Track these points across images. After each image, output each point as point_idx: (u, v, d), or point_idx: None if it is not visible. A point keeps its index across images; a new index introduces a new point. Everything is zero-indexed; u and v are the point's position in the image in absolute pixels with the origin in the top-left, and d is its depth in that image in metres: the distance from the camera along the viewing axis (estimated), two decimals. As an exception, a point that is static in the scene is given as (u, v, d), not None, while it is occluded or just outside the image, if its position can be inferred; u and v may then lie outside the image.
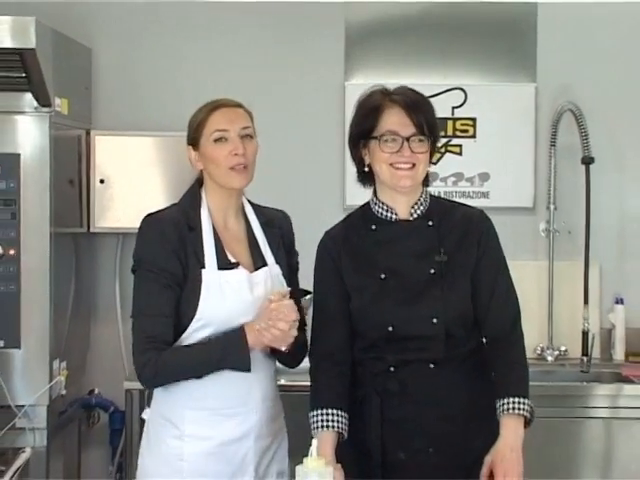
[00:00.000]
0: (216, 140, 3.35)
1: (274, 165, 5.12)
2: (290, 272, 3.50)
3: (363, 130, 3.33)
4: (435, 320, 3.27)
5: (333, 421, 3.28)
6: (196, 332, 3.31)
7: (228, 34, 5.56)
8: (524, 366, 3.38)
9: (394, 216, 3.35)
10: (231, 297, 3.32)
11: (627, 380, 5.17)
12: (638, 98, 5.56)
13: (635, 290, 5.59)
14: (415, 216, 3.36)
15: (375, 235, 3.37)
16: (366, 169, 3.36)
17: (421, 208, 3.37)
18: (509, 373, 3.34)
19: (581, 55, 5.56)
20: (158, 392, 3.44)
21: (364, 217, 3.42)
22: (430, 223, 3.36)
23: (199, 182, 3.48)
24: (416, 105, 3.28)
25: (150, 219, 3.40)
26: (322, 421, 3.28)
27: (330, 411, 3.29)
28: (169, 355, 3.28)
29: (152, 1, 5.54)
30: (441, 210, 3.41)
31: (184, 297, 3.31)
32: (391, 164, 3.26)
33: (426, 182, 3.42)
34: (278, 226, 3.53)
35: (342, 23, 5.56)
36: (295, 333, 3.23)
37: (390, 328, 3.27)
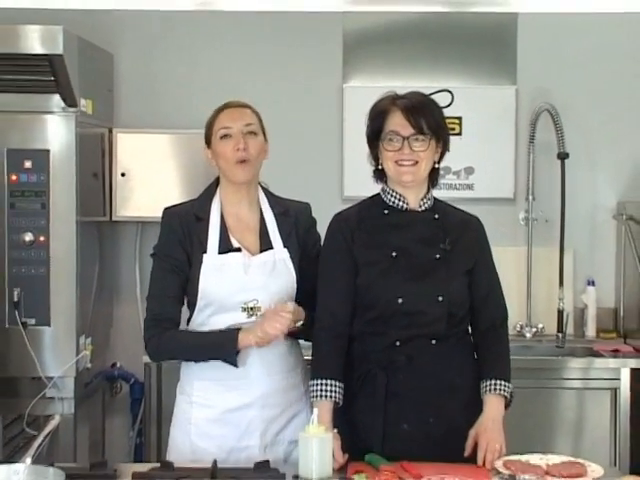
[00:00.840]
0: (222, 137, 3.39)
1: (279, 160, 5.09)
2: (304, 256, 3.49)
3: (373, 131, 3.35)
4: (440, 298, 3.28)
5: (331, 391, 3.28)
6: (201, 311, 3.39)
7: (237, 41, 5.56)
8: (508, 357, 3.42)
9: (405, 205, 3.36)
10: (228, 278, 3.35)
11: (598, 354, 5.18)
12: (609, 99, 5.56)
13: (605, 273, 5.61)
14: (423, 208, 3.38)
15: (387, 219, 3.37)
16: (380, 167, 3.37)
17: (428, 202, 3.39)
18: (496, 359, 3.39)
19: (557, 60, 5.56)
20: (181, 365, 3.51)
21: (376, 204, 3.42)
22: (436, 216, 3.38)
23: (218, 179, 3.51)
24: (416, 108, 3.28)
25: (164, 212, 3.49)
26: (321, 391, 3.28)
27: (329, 382, 3.29)
28: (171, 336, 3.38)
29: (168, 12, 5.55)
30: (443, 209, 3.44)
31: (190, 280, 3.38)
32: (396, 161, 3.28)
33: (435, 181, 3.44)
34: (293, 215, 3.53)
35: (340, 31, 5.56)
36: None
37: (400, 300, 3.27)
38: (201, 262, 3.36)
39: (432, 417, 3.29)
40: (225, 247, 3.39)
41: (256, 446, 3.38)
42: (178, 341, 3.41)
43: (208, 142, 3.46)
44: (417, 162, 3.28)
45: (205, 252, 3.37)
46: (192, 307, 3.41)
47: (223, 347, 3.30)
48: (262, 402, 3.39)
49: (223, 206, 3.46)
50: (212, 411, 3.40)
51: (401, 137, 3.26)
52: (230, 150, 3.36)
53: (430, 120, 3.29)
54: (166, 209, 3.49)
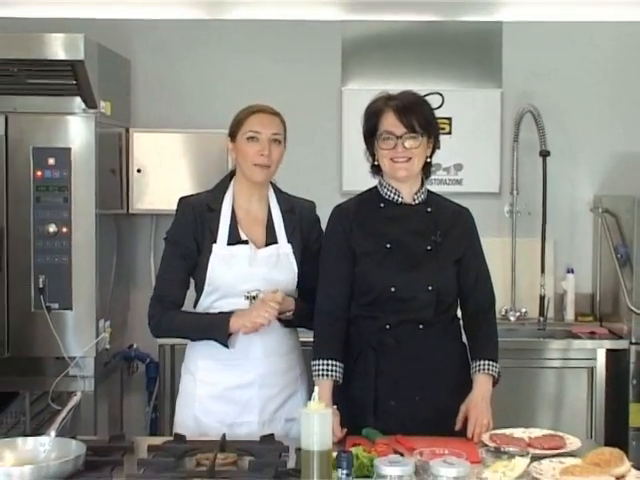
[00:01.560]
0: (248, 138, 3.36)
1: (283, 156, 5.13)
2: (305, 251, 3.48)
3: (369, 130, 3.35)
4: (430, 287, 3.29)
5: (331, 370, 3.29)
6: (208, 295, 3.40)
7: (244, 47, 5.56)
8: (496, 338, 3.43)
9: (400, 199, 3.36)
10: (235, 268, 3.36)
11: (576, 336, 5.20)
12: (587, 102, 5.58)
13: (583, 262, 5.62)
14: (417, 201, 3.37)
15: (383, 212, 3.37)
16: (376, 162, 3.37)
17: (422, 196, 3.38)
18: (486, 342, 3.39)
19: (539, 66, 5.57)
20: (187, 346, 3.52)
21: (373, 197, 3.42)
22: (429, 210, 3.38)
23: (232, 173, 3.51)
24: (407, 108, 3.27)
25: (179, 201, 3.48)
26: (322, 370, 3.30)
27: (329, 362, 3.30)
28: (171, 317, 3.40)
29: (180, 20, 5.56)
30: (436, 202, 3.43)
31: (199, 265, 3.38)
32: (391, 158, 3.28)
33: (427, 173, 3.43)
34: (298, 213, 3.52)
35: (339, 38, 5.57)
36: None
37: (393, 289, 3.27)
38: (210, 251, 3.36)
39: (418, 396, 3.30)
40: (234, 239, 3.39)
41: (255, 422, 3.40)
42: (177, 322, 3.42)
43: (232, 136, 3.43)
44: (410, 158, 3.28)
45: (215, 242, 3.37)
46: (199, 291, 3.43)
47: (216, 329, 3.31)
48: (260, 382, 3.41)
49: (235, 199, 3.45)
50: (214, 388, 3.42)
51: (395, 136, 3.26)
52: (253, 152, 3.36)
53: (421, 118, 3.28)
54: (182, 198, 3.48)
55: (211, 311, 3.40)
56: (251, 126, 3.37)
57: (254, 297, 3.35)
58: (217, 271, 3.36)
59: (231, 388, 3.40)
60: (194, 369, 3.46)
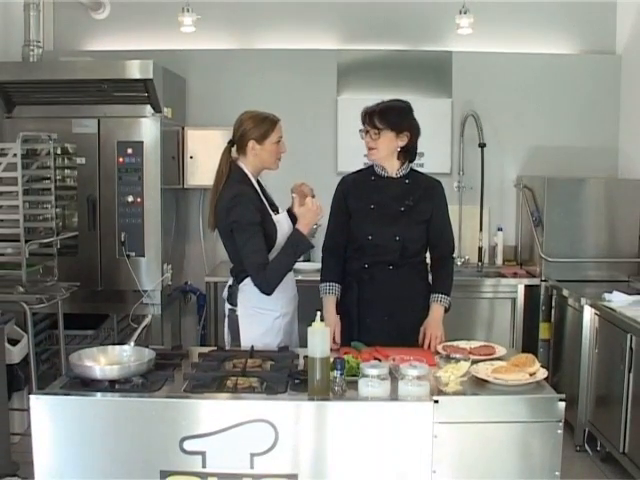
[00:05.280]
0: (277, 142, 3.30)
1: (293, 148, 5.09)
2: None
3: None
4: (397, 238, 3.30)
5: (334, 289, 3.38)
6: (276, 249, 3.23)
7: (266, 68, 5.54)
8: (452, 277, 3.44)
9: (386, 174, 3.37)
10: (285, 228, 3.30)
11: (503, 276, 5.22)
12: (512, 109, 5.55)
13: (509, 223, 5.62)
14: (398, 175, 3.37)
15: (373, 182, 3.38)
16: None
17: (402, 172, 3.37)
18: (443, 280, 3.40)
19: (478, 83, 5.54)
20: (253, 293, 3.27)
21: (368, 172, 3.42)
22: (407, 181, 3.37)
23: (237, 167, 3.34)
24: (373, 113, 3.27)
25: (241, 194, 3.22)
26: (327, 289, 3.38)
27: (332, 284, 3.38)
28: (272, 270, 3.14)
29: (220, 50, 5.54)
30: (415, 176, 3.41)
31: (266, 234, 3.21)
32: (367, 147, 3.31)
33: (411, 158, 3.39)
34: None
35: (335, 61, 5.52)
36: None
37: (370, 237, 3.30)
38: (273, 222, 3.26)
39: (386, 316, 3.32)
40: (275, 210, 3.36)
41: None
42: (278, 268, 3.16)
43: (260, 140, 3.27)
44: (375, 147, 3.29)
45: (269, 215, 3.27)
46: (269, 249, 3.23)
47: (300, 245, 3.16)
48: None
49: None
50: (287, 317, 3.39)
51: (364, 132, 3.30)
52: (279, 151, 3.31)
53: (383, 119, 3.26)
54: (240, 191, 3.23)
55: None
56: (279, 133, 3.31)
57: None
58: (281, 233, 3.26)
59: (290, 314, 3.40)
60: (274, 307, 3.32)
